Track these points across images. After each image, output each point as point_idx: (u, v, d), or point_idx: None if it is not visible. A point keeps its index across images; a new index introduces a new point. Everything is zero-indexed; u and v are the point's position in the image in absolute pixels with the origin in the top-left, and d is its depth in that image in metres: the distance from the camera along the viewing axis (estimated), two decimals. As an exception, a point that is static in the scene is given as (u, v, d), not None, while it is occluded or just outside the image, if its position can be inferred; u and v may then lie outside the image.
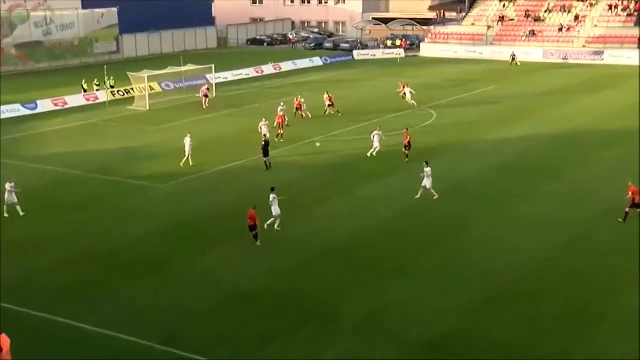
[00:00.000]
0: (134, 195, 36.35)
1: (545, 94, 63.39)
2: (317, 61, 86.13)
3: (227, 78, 73.72)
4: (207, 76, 68.74)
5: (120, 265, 27.85)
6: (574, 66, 79.87)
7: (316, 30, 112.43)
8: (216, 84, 64.96)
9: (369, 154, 41.34)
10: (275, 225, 30.00)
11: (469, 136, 47.77)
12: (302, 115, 50.92)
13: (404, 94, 57.31)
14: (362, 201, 34.59)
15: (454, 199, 34.63)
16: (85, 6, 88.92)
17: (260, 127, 43.37)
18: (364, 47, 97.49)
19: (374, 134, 41.45)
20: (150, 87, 63.08)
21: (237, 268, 27.33)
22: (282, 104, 50.37)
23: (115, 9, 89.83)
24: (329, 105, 53.36)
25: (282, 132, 44.88)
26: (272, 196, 29.90)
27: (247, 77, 76.04)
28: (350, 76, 76.03)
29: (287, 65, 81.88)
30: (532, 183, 37.32)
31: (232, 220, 31.42)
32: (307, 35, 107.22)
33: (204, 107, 57.33)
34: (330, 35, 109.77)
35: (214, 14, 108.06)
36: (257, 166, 40.77)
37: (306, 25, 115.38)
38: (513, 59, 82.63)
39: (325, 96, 54.06)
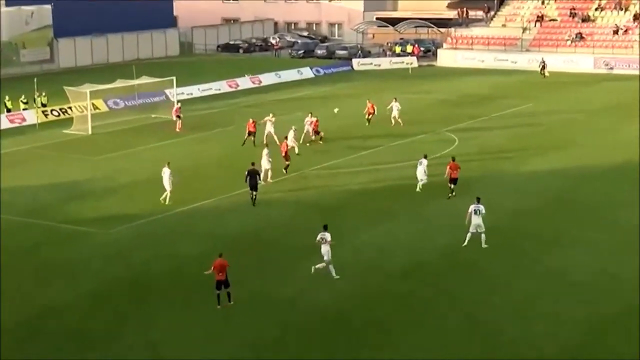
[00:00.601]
0: (72, 244, 36.03)
1: (594, 114, 63.68)
2: (307, 72, 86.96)
3: (192, 94, 74.26)
4: (167, 91, 68.89)
5: (46, 339, 27.30)
6: (632, 78, 79.94)
7: (305, 33, 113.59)
8: (179, 101, 65.03)
9: (418, 189, 42.33)
10: (333, 273, 30.86)
11: (498, 168, 48.10)
12: (253, 142, 51.92)
13: (390, 109, 58.13)
14: (359, 252, 34.59)
15: (477, 249, 34.39)
16: (10, 2, 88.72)
17: (265, 156, 44.32)
18: (366, 54, 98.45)
19: (420, 162, 42.48)
20: (93, 105, 63.14)
21: (198, 343, 26.91)
22: (293, 127, 50.99)
23: (49, 7, 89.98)
24: (315, 132, 54.05)
25: (288, 162, 45.85)
26: (324, 235, 30.96)
27: (217, 92, 76.53)
28: (349, 91, 76.24)
29: (268, 78, 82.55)
30: (577, 230, 37.23)
31: (194, 275, 31.26)
32: (293, 40, 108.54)
33: (178, 129, 58.34)
34: (324, 39, 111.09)
35: (175, 14, 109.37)
36: (233, 205, 40.98)
37: (293, 27, 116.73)
38: (543, 68, 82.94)
39: (309, 119, 54.30)
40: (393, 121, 58.05)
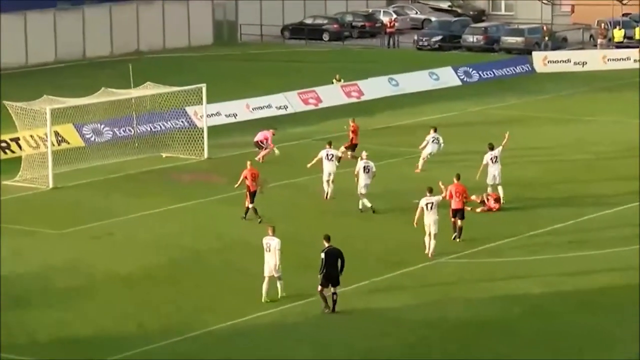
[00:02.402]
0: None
1: None
2: (448, 77, 70.71)
3: (235, 115, 61.11)
4: (190, 110, 58.24)
5: None
6: None
7: (445, 5, 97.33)
8: (210, 127, 54.06)
9: None
10: None
11: None
12: (254, 210, 41.91)
13: (424, 146, 48.44)
14: None
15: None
16: None
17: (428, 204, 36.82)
18: (558, 44, 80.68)
19: None
20: (58, 135, 53.69)
21: None
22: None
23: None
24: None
25: (461, 224, 39.28)
26: None
27: (281, 113, 62.92)
28: (528, 112, 61.20)
29: (376, 87, 67.34)
30: None
31: None
32: (423, 18, 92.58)
33: (260, 159, 49.69)
34: (479, 16, 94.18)
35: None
36: (301, 317, 33.57)
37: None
38: None
39: (495, 152, 43.26)
40: (421, 163, 47.92)
